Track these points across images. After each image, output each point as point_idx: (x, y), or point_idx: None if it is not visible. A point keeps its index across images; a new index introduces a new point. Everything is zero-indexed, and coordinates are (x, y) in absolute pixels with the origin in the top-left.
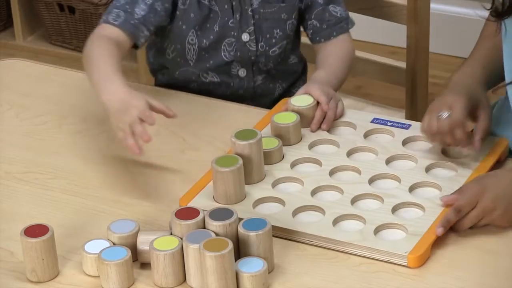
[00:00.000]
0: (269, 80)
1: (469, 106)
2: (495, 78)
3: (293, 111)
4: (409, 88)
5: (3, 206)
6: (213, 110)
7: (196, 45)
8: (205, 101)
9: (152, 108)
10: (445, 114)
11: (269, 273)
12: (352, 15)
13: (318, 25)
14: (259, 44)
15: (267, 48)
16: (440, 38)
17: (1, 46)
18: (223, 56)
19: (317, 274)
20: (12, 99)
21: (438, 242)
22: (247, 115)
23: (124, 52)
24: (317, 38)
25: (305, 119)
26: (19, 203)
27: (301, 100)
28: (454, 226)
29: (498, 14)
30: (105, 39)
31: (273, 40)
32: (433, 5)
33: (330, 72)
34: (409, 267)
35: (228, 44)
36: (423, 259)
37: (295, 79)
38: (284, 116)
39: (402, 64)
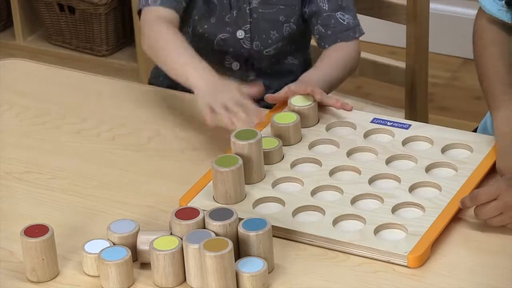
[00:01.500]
0: (262, 77)
1: None
2: None
3: (293, 111)
4: (409, 88)
5: (3, 206)
6: None
7: (191, 29)
8: None
9: (242, 94)
10: None
11: (269, 273)
12: None
13: (323, 31)
14: (254, 43)
15: (261, 47)
16: (439, 38)
17: (1, 46)
18: (216, 48)
19: (317, 274)
20: (12, 99)
21: (438, 242)
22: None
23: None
24: (322, 44)
25: (305, 119)
26: (19, 203)
27: (301, 100)
28: (474, 212)
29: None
30: (162, 23)
31: (269, 41)
32: (432, 5)
33: (319, 71)
34: (409, 267)
35: (222, 39)
36: (423, 259)
37: (292, 80)
38: (284, 116)
39: (402, 64)
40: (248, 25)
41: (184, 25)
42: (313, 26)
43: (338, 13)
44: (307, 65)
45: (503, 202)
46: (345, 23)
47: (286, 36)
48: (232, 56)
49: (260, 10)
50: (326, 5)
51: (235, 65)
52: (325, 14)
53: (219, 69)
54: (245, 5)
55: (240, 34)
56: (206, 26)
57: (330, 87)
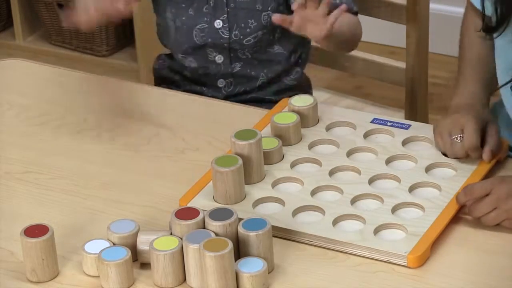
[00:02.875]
0: (249, 67)
1: (480, 128)
2: (493, 85)
3: (293, 111)
4: (409, 88)
5: (3, 206)
6: (213, 110)
7: (172, 21)
8: (205, 101)
9: None
10: (459, 137)
11: (269, 273)
12: None
13: None
14: (233, 33)
15: (241, 37)
16: (439, 38)
17: (1, 46)
18: (195, 40)
19: (317, 274)
20: (12, 99)
21: (438, 242)
22: (247, 115)
23: None
24: None
25: (305, 119)
26: (19, 203)
27: (301, 100)
28: (468, 210)
29: (489, 30)
30: None
31: (248, 30)
32: (432, 5)
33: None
34: (409, 267)
35: (200, 30)
36: (423, 259)
37: (283, 69)
38: (284, 116)
39: (402, 64)
40: (226, 15)
41: (159, 16)
42: None
43: None
44: (296, 54)
45: (496, 195)
46: (337, 1)
47: (265, 24)
48: (213, 48)
49: (237, 0)
50: None
51: (219, 58)
52: None
53: (203, 63)
54: None
55: (217, 23)
56: (184, 18)
57: (340, 34)
